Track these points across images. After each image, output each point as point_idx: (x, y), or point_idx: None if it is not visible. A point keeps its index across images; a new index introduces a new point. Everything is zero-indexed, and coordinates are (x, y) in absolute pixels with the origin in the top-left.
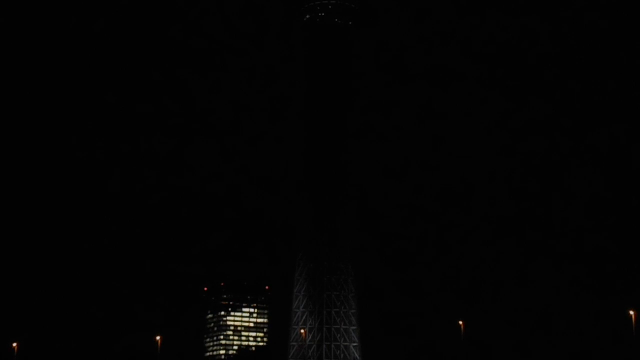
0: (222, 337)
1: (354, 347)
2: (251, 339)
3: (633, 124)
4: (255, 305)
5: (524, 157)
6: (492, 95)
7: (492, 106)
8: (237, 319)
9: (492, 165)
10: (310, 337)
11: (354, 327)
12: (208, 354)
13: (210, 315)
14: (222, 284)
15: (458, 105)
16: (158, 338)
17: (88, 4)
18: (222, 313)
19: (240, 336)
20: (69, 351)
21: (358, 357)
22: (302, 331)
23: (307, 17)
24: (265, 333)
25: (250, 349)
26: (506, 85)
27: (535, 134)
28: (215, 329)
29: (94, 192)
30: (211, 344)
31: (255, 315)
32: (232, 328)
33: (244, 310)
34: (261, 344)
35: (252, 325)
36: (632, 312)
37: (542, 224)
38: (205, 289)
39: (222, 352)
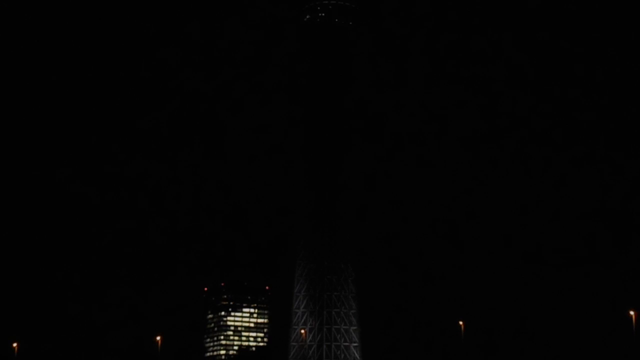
0: (222, 337)
1: (354, 347)
2: (251, 339)
3: None
4: (255, 305)
5: (527, 164)
6: (494, 95)
7: (493, 107)
8: (237, 319)
9: (495, 166)
10: (310, 337)
11: (354, 327)
12: (208, 354)
13: (210, 315)
14: (222, 284)
15: (458, 106)
16: (158, 338)
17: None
18: (222, 313)
19: (240, 336)
20: (68, 351)
21: (358, 357)
22: (302, 331)
23: (307, 17)
24: (265, 333)
25: (250, 349)
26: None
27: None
28: (215, 329)
29: (94, 193)
30: (211, 344)
31: (255, 315)
32: (232, 328)
33: (244, 310)
34: (261, 344)
35: (252, 325)
36: (632, 312)
37: (542, 225)
38: (205, 289)
39: (222, 352)
